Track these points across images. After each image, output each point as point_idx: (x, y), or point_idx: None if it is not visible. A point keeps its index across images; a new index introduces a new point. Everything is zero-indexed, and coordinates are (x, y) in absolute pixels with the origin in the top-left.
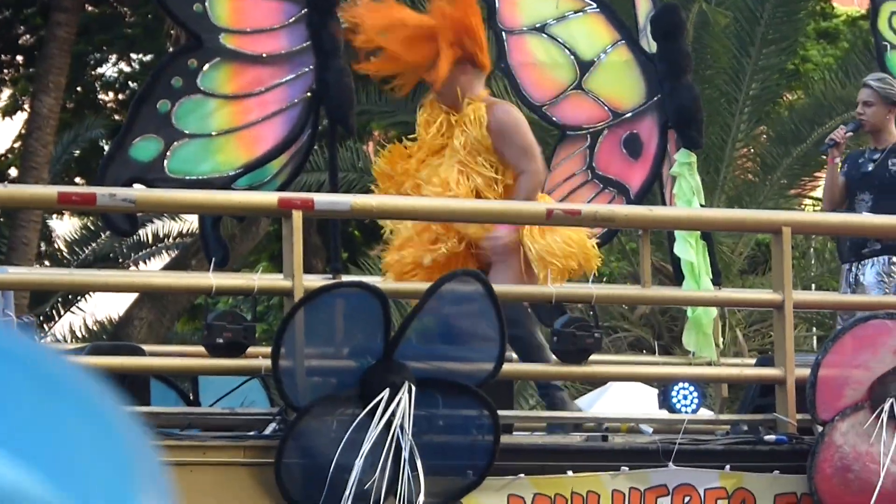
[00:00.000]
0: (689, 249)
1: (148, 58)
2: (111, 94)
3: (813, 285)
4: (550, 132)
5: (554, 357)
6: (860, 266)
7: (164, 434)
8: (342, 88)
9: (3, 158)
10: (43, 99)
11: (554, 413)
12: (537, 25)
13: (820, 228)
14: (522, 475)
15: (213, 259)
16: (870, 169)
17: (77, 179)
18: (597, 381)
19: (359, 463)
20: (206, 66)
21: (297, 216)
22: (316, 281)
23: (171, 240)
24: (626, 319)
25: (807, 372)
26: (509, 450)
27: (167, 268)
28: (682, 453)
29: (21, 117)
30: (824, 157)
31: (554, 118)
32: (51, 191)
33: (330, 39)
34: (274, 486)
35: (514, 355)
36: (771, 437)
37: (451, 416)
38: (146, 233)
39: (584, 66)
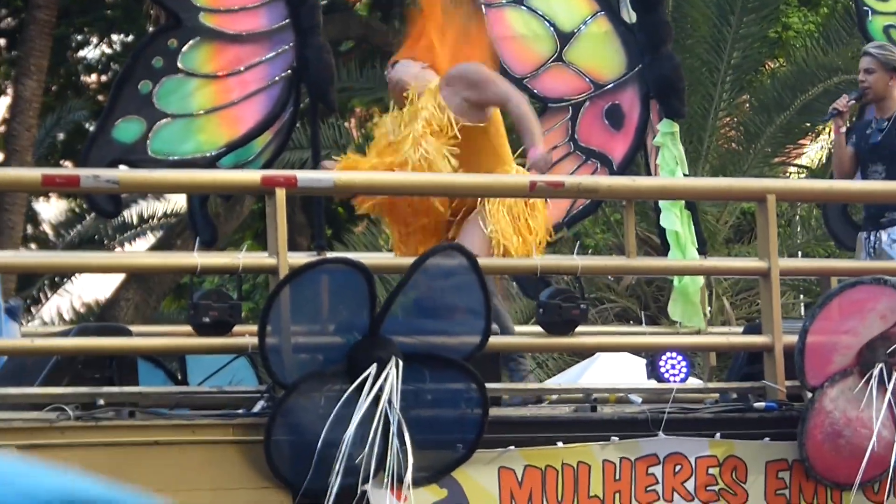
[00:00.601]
0: (674, 220)
1: (129, 39)
2: (93, 77)
3: (799, 252)
4: (532, 105)
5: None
6: (877, 234)
7: (153, 414)
8: (322, 65)
9: None
10: (25, 82)
11: (540, 385)
12: None
13: (805, 195)
14: (512, 447)
15: (199, 238)
16: (879, 140)
17: (62, 162)
18: (584, 353)
19: (347, 438)
20: (186, 46)
21: (281, 194)
22: (301, 258)
23: (155, 220)
24: (613, 290)
25: (795, 339)
26: (498, 422)
27: (153, 249)
28: (671, 422)
29: (4, 101)
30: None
31: (535, 91)
32: (34, 173)
33: (309, 16)
34: (264, 463)
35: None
36: (760, 405)
37: (438, 390)
38: (131, 214)
39: (565, 38)
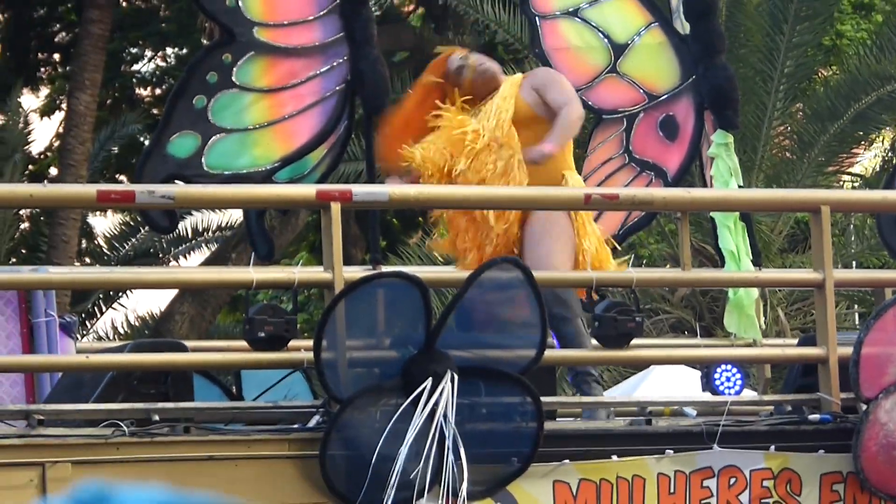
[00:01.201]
0: (729, 239)
1: (183, 52)
2: (147, 90)
3: (854, 262)
4: (587, 116)
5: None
6: None
7: (208, 429)
8: (377, 78)
9: (42, 157)
10: (79, 96)
11: (597, 399)
12: (570, 9)
13: (859, 206)
14: (567, 461)
15: (255, 252)
16: None
17: (117, 176)
18: (639, 365)
19: (403, 453)
20: (240, 61)
21: (336, 208)
22: (356, 272)
23: (210, 233)
24: (667, 301)
25: (849, 350)
26: (553, 436)
27: (207, 262)
28: (726, 435)
29: (59, 116)
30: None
31: (589, 102)
32: (90, 189)
33: (363, 29)
34: (319, 478)
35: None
36: (815, 417)
37: (493, 404)
38: (185, 226)
39: (619, 50)
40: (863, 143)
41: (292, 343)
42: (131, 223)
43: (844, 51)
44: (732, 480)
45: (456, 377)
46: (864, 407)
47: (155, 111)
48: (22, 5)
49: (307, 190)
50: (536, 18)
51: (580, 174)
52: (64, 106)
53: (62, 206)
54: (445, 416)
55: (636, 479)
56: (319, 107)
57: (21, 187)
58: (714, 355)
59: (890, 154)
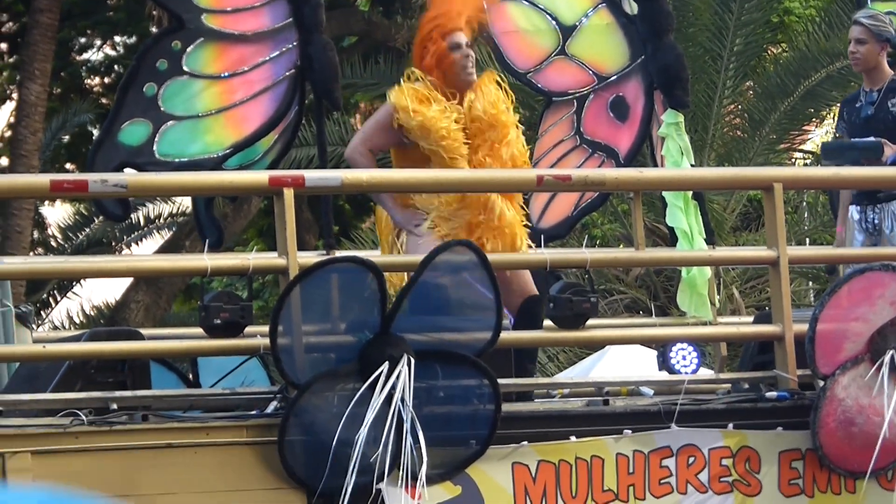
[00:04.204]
0: (679, 216)
1: (132, 40)
2: (97, 79)
3: (807, 239)
4: (536, 99)
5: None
6: (876, 210)
7: (167, 417)
8: (326, 63)
9: None
10: (30, 86)
11: (552, 380)
12: None
13: (811, 183)
14: (526, 443)
15: (208, 240)
16: (871, 112)
17: (67, 165)
18: (595, 346)
19: (361, 437)
20: (189, 48)
21: (289, 194)
22: (311, 258)
23: (162, 221)
24: (621, 282)
25: (805, 327)
26: (511, 418)
27: (161, 250)
28: (684, 414)
29: (9, 106)
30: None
31: (539, 85)
32: (43, 179)
33: (312, 14)
34: (278, 464)
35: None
36: (772, 394)
37: (451, 387)
38: (138, 216)
39: (567, 31)
40: (814, 119)
41: (248, 329)
42: (84, 213)
43: (793, 28)
44: (691, 459)
45: (412, 361)
46: (822, 383)
47: (105, 100)
48: None
49: (260, 176)
50: (484, 3)
51: (531, 157)
52: (14, 96)
53: (15, 197)
54: (403, 399)
55: (595, 459)
56: (270, 92)
57: None
58: (670, 334)
59: None
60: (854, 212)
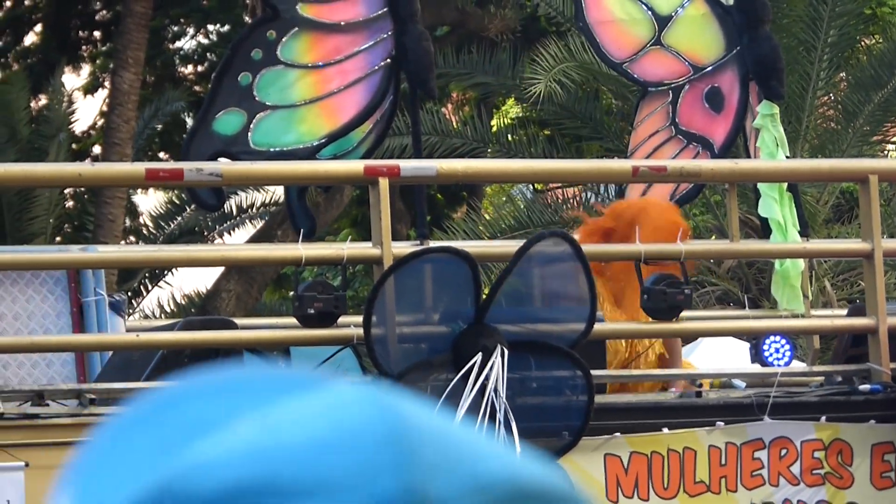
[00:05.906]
0: (773, 206)
1: (225, 29)
2: (190, 67)
3: None
4: (632, 89)
5: None
6: None
7: None
8: (421, 53)
9: (86, 135)
10: (123, 75)
11: (647, 372)
12: None
13: None
14: (618, 434)
15: (296, 229)
16: None
17: (160, 154)
18: (688, 338)
19: None
20: (284, 37)
21: (384, 183)
22: (404, 248)
23: (254, 210)
24: (714, 273)
25: None
26: (604, 409)
27: (253, 239)
28: (776, 406)
29: (102, 94)
30: None
31: (635, 75)
32: (138, 167)
33: (407, 4)
34: None
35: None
36: (865, 387)
37: (544, 378)
38: (230, 204)
39: (662, 21)
40: None
41: (342, 319)
42: (176, 201)
43: (886, 19)
44: (783, 452)
45: (506, 351)
46: None
47: (197, 88)
48: None
49: (355, 166)
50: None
51: (627, 147)
52: (107, 84)
53: (111, 185)
54: (496, 390)
55: (687, 451)
56: (364, 82)
57: (69, 166)
58: (763, 326)
59: None
60: None
